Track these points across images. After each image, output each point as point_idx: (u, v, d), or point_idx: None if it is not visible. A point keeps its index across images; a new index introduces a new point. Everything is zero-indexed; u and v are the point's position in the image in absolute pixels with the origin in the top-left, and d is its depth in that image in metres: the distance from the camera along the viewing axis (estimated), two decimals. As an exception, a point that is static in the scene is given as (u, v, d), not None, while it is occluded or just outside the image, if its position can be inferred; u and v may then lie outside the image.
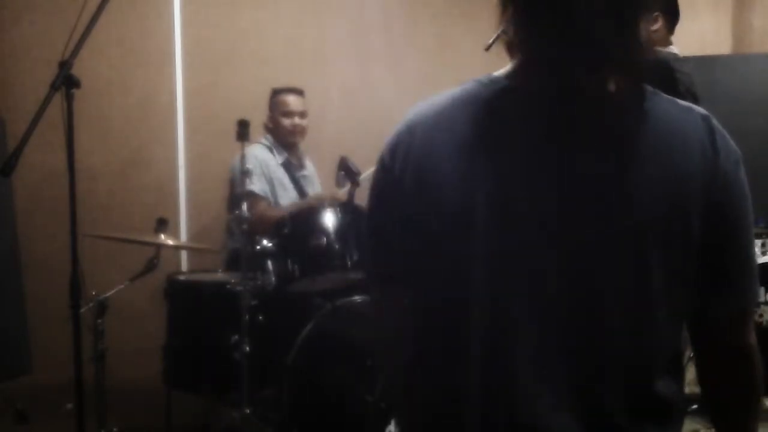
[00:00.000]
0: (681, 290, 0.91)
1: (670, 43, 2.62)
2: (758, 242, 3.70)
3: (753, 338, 0.97)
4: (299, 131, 3.43)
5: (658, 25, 2.58)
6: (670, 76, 2.46)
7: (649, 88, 0.93)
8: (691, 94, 2.50)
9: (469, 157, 0.90)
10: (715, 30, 4.86)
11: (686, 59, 2.58)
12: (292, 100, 3.41)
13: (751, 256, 0.95)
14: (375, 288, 1.08)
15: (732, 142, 0.94)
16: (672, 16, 2.60)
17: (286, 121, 3.39)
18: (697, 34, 4.75)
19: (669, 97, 0.95)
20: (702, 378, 1.02)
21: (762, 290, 3.47)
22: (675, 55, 2.57)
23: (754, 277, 0.95)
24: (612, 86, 0.89)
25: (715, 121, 0.94)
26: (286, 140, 3.44)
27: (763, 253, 3.68)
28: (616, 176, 0.88)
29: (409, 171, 0.94)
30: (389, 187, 0.97)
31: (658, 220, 0.88)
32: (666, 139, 0.90)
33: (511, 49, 0.95)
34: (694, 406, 3.23)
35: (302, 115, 3.41)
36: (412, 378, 1.00)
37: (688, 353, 3.70)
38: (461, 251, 0.90)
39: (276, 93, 3.45)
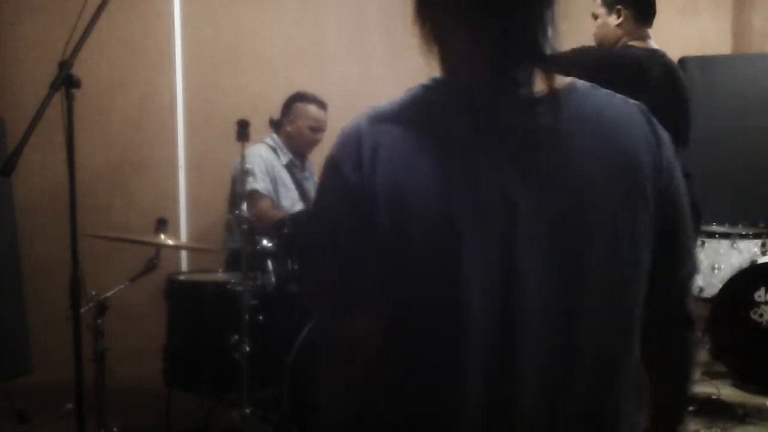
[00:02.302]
0: (644, 269, 0.95)
1: (648, 37, 2.62)
2: (758, 242, 3.71)
3: (692, 307, 1.07)
4: (316, 144, 3.47)
5: (620, 19, 2.59)
6: (640, 72, 2.47)
7: (584, 82, 0.97)
8: (662, 90, 2.51)
9: (436, 163, 0.88)
10: (715, 30, 4.85)
11: (662, 54, 2.57)
12: (321, 116, 3.44)
13: (691, 232, 1.03)
14: (335, 310, 0.95)
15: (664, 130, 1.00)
16: (638, 9, 2.61)
17: (309, 134, 3.43)
18: (697, 34, 4.75)
19: (607, 90, 0.98)
20: (646, 350, 1.03)
21: (762, 290, 3.48)
22: (653, 50, 2.56)
23: (695, 250, 1.07)
24: (551, 82, 0.91)
25: (646, 108, 1.00)
26: (301, 149, 3.48)
27: (763, 253, 3.68)
28: (576, 169, 0.90)
29: (377, 180, 0.88)
30: (349, 201, 0.90)
31: (620, 208, 0.91)
32: (615, 130, 0.94)
33: (431, 47, 0.95)
34: (693, 407, 3.24)
35: (324, 129, 3.44)
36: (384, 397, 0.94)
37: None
38: (447, 259, 0.88)
39: (303, 99, 3.45)
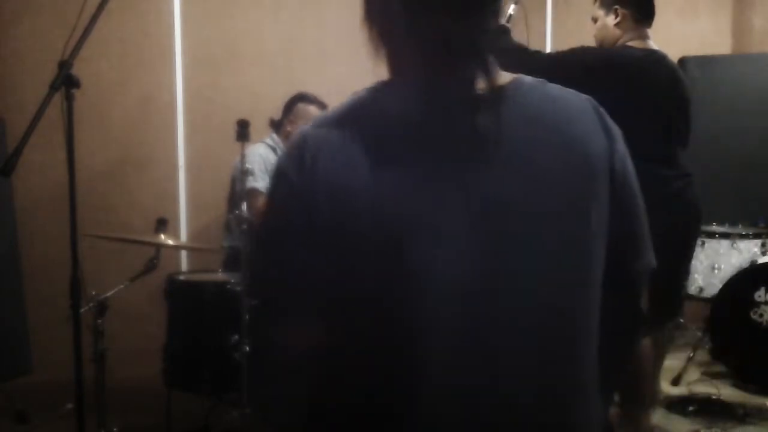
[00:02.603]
0: (599, 264, 0.95)
1: (647, 37, 2.62)
2: (758, 242, 3.70)
3: (645, 305, 1.07)
4: None
5: (618, 19, 2.60)
6: (638, 73, 2.47)
7: (533, 78, 0.97)
8: (661, 90, 2.51)
9: (378, 164, 0.88)
10: (715, 30, 4.86)
11: (662, 54, 2.58)
12: None
13: (646, 226, 1.03)
14: (277, 320, 0.96)
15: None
16: (637, 8, 2.61)
17: None
18: (697, 34, 4.75)
19: (556, 85, 0.97)
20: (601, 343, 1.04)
21: (762, 290, 3.48)
22: (652, 50, 2.57)
23: (650, 245, 1.04)
24: (493, 80, 0.91)
25: (595, 102, 0.99)
26: None
27: (763, 253, 3.68)
28: (524, 164, 0.89)
29: (319, 181, 0.88)
30: (295, 202, 0.90)
31: (572, 202, 0.91)
32: (563, 124, 0.93)
33: (379, 49, 0.96)
34: (693, 407, 3.25)
35: None
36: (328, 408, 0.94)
37: (689, 353, 3.70)
38: (389, 259, 0.87)
39: (305, 100, 3.46)
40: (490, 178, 0.88)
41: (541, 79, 0.97)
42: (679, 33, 4.55)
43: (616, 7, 2.60)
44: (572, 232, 0.91)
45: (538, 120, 0.92)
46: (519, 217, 0.88)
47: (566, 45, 2.56)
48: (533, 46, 2.67)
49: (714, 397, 3.34)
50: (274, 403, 1.00)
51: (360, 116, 0.93)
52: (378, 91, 0.95)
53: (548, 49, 4.50)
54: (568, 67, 2.43)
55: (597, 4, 2.68)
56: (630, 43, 2.59)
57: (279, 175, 0.94)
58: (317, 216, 0.88)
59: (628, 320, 1.07)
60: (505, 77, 0.94)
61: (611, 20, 2.62)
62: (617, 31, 2.61)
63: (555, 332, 0.91)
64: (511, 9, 2.78)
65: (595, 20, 2.69)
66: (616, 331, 1.03)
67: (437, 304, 0.87)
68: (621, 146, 0.97)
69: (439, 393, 0.87)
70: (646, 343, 2.52)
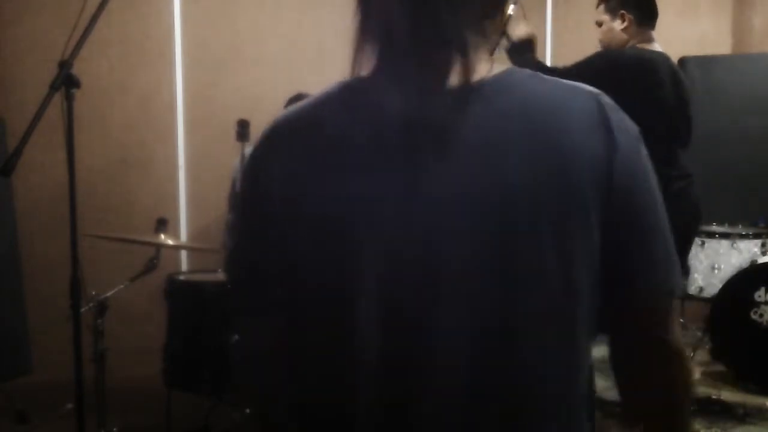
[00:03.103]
0: (588, 274, 0.84)
1: (652, 39, 2.63)
2: (758, 242, 3.71)
3: (676, 333, 0.89)
4: None
5: (625, 24, 2.61)
6: (653, 72, 2.48)
7: (525, 70, 0.90)
8: (668, 91, 2.52)
9: (337, 165, 0.86)
10: (715, 30, 4.86)
11: (666, 56, 2.58)
12: None
13: (668, 238, 0.88)
14: (244, 318, 0.98)
15: (629, 119, 0.87)
16: (641, 12, 2.62)
17: None
18: (697, 34, 4.76)
19: (552, 78, 0.89)
20: (618, 378, 0.92)
21: (762, 290, 3.48)
22: (658, 52, 2.57)
23: (675, 262, 0.88)
24: (468, 73, 0.85)
25: (607, 98, 0.88)
26: None
27: (763, 253, 3.68)
28: (491, 167, 0.83)
29: (275, 176, 0.89)
30: (254, 198, 0.92)
31: (547, 209, 0.82)
32: (548, 123, 0.84)
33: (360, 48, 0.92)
34: (693, 407, 3.25)
35: None
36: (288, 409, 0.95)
37: (690, 353, 3.70)
38: (336, 258, 0.86)
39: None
40: (444, 174, 0.83)
41: (534, 73, 0.89)
42: (679, 33, 4.56)
43: (623, 12, 2.61)
44: (539, 246, 0.82)
45: (514, 118, 0.84)
46: (471, 213, 0.82)
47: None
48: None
49: (714, 397, 3.34)
50: (248, 392, 1.03)
51: (322, 111, 0.91)
52: (347, 87, 0.92)
53: (548, 49, 4.50)
54: (581, 74, 2.44)
55: (602, 8, 2.68)
56: (637, 46, 2.60)
57: (243, 171, 0.95)
58: (271, 208, 0.89)
59: (645, 355, 0.90)
60: (489, 70, 0.87)
61: (618, 25, 2.62)
62: (624, 36, 2.62)
63: (499, 335, 0.84)
64: (510, 9, 2.78)
65: (599, 24, 2.69)
66: (634, 367, 0.91)
67: (374, 301, 0.84)
68: (627, 148, 0.84)
69: (375, 394, 0.85)
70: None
